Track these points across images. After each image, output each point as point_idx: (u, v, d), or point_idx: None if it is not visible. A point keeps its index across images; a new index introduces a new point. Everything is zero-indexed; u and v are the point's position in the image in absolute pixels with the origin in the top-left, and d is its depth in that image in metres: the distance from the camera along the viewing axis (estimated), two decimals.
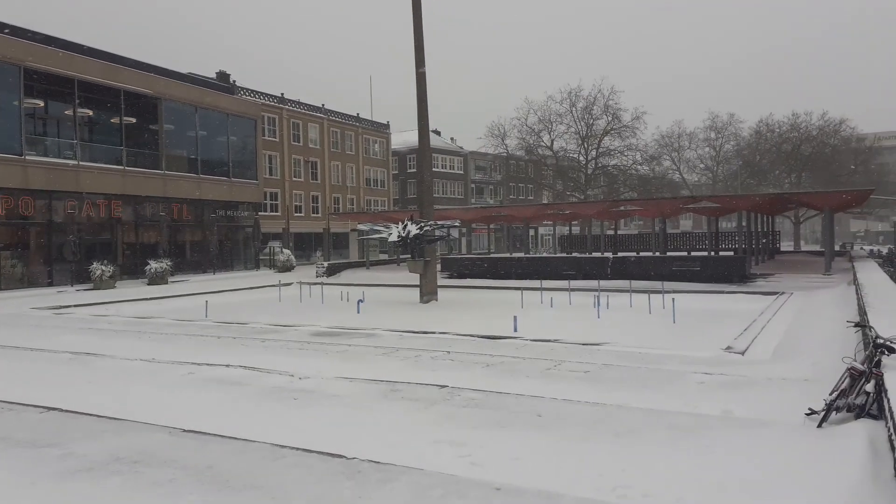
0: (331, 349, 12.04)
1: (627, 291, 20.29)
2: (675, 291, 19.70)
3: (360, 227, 40.44)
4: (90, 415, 7.23)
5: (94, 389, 8.73)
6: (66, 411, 7.38)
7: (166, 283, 29.77)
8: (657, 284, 21.71)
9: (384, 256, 48.61)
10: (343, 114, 60.04)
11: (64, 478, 5.32)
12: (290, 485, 5.22)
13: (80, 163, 29.87)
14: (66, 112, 30.33)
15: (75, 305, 21.70)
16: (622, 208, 34.81)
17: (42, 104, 29.66)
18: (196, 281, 31.49)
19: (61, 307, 21.23)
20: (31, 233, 28.75)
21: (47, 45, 29.32)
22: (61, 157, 29.49)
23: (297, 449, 6.03)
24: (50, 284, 28.13)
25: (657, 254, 31.10)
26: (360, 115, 62.47)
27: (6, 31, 27.74)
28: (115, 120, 32.40)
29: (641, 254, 33.83)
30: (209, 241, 37.54)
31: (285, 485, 5.22)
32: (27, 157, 27.57)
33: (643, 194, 57.43)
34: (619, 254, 31.91)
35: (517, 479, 5.23)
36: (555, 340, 12.31)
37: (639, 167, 60.57)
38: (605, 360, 10.37)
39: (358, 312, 18.06)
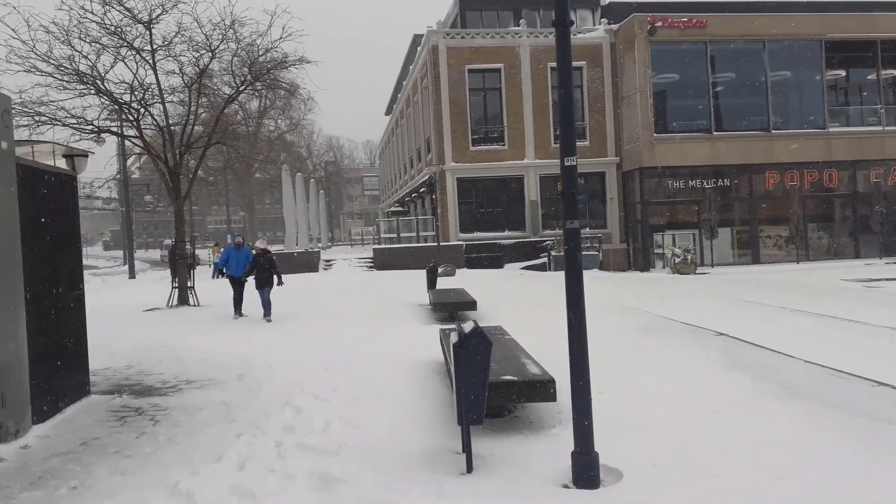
0: None
1: None
2: None
3: None
4: None
5: None
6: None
7: None
8: None
9: None
10: None
11: None
12: None
13: (885, 128, 28.31)
14: (867, 77, 29.18)
15: (886, 279, 20.56)
16: None
17: (843, 73, 29.38)
18: None
19: (870, 279, 20.49)
20: (835, 205, 29.03)
21: (841, 12, 28.83)
22: (863, 125, 28.67)
23: None
24: (856, 256, 27.85)
25: None
26: None
27: (803, 9, 28.77)
28: None
29: None
30: None
31: None
32: (830, 130, 27.98)
33: None
34: None
35: None
36: None
37: None
38: None
39: None
